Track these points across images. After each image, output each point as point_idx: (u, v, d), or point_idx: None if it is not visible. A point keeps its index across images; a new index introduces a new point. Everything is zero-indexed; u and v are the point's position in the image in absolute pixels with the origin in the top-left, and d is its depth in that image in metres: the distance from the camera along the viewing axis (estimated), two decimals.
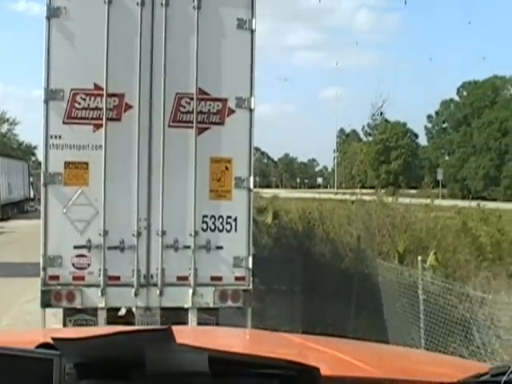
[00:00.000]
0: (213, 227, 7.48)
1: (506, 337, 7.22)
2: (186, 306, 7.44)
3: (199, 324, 7.51)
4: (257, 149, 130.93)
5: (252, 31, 7.52)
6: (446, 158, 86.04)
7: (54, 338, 1.70)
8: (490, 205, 20.69)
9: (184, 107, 7.39)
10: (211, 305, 7.50)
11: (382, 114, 44.19)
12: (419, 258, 8.19)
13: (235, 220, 7.52)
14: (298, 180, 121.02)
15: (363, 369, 2.20)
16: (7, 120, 71.94)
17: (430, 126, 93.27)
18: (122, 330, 1.81)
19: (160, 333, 1.62)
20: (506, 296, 7.77)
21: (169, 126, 7.36)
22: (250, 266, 7.57)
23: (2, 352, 1.81)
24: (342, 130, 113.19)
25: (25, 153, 67.14)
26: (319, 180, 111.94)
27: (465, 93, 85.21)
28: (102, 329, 2.77)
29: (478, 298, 7.47)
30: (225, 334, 3.60)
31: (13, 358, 1.81)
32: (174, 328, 1.59)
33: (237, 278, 7.56)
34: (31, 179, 45.66)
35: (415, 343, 7.97)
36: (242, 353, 1.82)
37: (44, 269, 7.25)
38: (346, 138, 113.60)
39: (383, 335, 8.81)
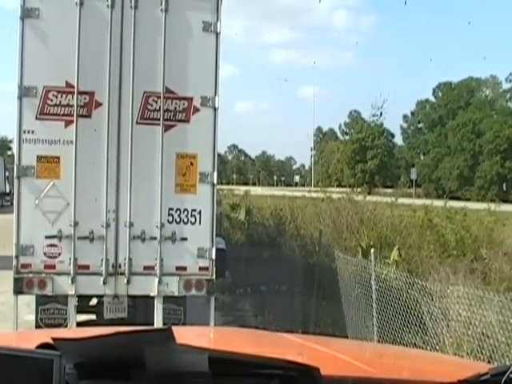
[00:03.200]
0: (178, 219, 7.69)
1: (456, 324, 7.51)
2: (152, 294, 7.66)
3: (167, 314, 7.80)
4: (234, 146, 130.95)
5: (217, 34, 7.73)
6: (422, 157, 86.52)
7: (54, 339, 1.69)
8: (459, 204, 21.01)
9: (151, 105, 7.61)
10: (176, 293, 7.71)
11: (381, 113, 44.81)
12: (372, 250, 8.50)
13: (199, 213, 7.73)
14: (275, 178, 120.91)
15: (363, 369, 2.21)
16: None
17: (405, 125, 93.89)
18: (122, 331, 1.78)
19: (160, 333, 1.63)
20: (462, 288, 8.04)
21: (137, 122, 7.57)
22: (214, 257, 7.77)
23: (2, 352, 1.82)
24: (319, 129, 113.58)
25: (0, 147, 66.38)
26: (296, 178, 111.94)
27: (440, 94, 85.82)
28: (102, 329, 2.83)
29: (429, 290, 7.78)
30: (225, 334, 3.65)
31: (13, 358, 1.81)
32: (174, 328, 1.59)
33: (200, 269, 7.76)
34: (7, 173, 44.15)
35: (369, 332, 8.33)
36: (242, 353, 1.76)
37: (16, 257, 7.42)
38: (323, 137, 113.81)
39: (341, 323, 9.17)
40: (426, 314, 7.70)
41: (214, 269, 7.82)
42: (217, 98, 7.78)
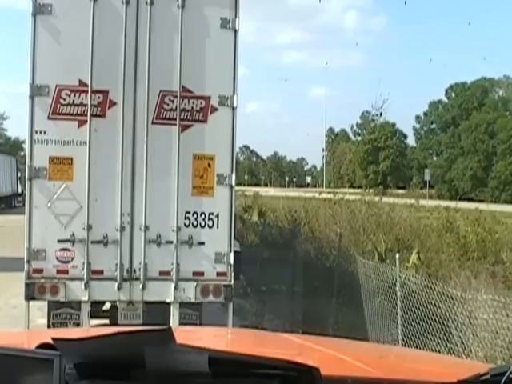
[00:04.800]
0: (195, 223, 7.50)
1: (483, 334, 7.28)
2: (168, 301, 7.47)
3: (182, 319, 7.59)
4: (246, 147, 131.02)
5: (235, 31, 7.54)
6: (434, 158, 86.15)
7: (54, 339, 1.68)
8: (473, 206, 20.84)
9: (167, 104, 7.41)
10: (193, 299, 7.53)
11: (381, 114, 44.26)
12: (397, 255, 8.25)
13: (217, 216, 7.54)
14: (287, 179, 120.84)
15: (363, 369, 2.20)
16: None
17: (418, 126, 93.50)
18: (122, 330, 1.76)
19: (160, 333, 1.61)
20: (485, 295, 7.83)
21: (152, 122, 7.38)
22: (232, 261, 7.58)
23: (2, 352, 1.82)
24: (331, 129, 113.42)
25: (13, 148, 66.68)
26: (308, 179, 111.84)
27: (453, 94, 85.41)
28: (102, 329, 2.90)
29: (455, 296, 7.55)
30: (225, 334, 3.62)
31: (13, 358, 1.81)
32: (174, 328, 1.60)
33: (218, 274, 7.57)
34: (19, 174, 44.46)
35: (393, 339, 8.08)
36: (242, 353, 1.77)
37: (28, 262, 7.25)
38: (335, 138, 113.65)
39: (363, 330, 8.92)
40: (453, 323, 7.43)
41: (233, 274, 7.62)
42: (235, 96, 7.58)
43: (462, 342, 7.39)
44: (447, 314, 7.60)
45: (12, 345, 2.03)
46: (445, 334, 7.54)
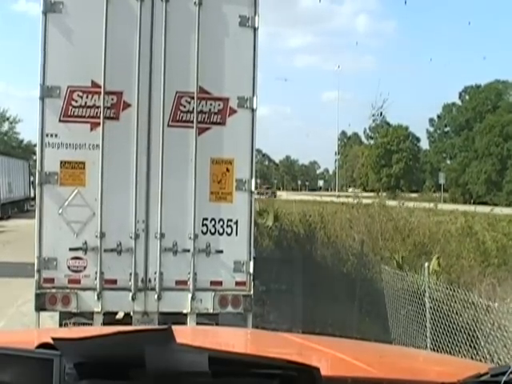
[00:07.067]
0: (213, 230, 7.29)
1: None
2: (184, 312, 7.25)
3: None
4: (258, 151, 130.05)
5: (255, 29, 7.32)
6: (448, 162, 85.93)
7: (54, 338, 1.68)
8: (488, 210, 20.61)
9: (184, 106, 7.20)
10: (211, 310, 7.32)
11: (381, 113, 43.47)
12: (426, 264, 7.95)
13: (236, 223, 7.32)
14: (299, 182, 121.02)
15: (363, 369, 2.19)
16: (7, 119, 71.74)
17: (431, 129, 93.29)
18: (122, 330, 1.80)
19: (160, 332, 1.62)
20: None
21: (168, 125, 7.17)
22: (251, 270, 7.36)
23: (2, 352, 1.81)
24: (343, 133, 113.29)
25: (25, 151, 66.89)
26: (320, 182, 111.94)
27: (467, 97, 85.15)
28: (102, 329, 2.90)
29: (485, 307, 7.26)
30: (225, 333, 3.61)
31: (13, 358, 1.80)
32: (174, 328, 1.58)
33: (237, 283, 7.36)
34: (32, 178, 44.49)
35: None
36: (242, 353, 1.81)
37: (38, 271, 7.05)
38: (348, 141, 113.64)
39: (387, 342, 8.62)
40: (487, 335, 7.12)
41: (252, 283, 7.40)
42: (255, 98, 7.35)
43: (489, 354, 7.10)
44: (478, 326, 7.28)
45: (12, 344, 2.01)
46: (474, 347, 7.23)
